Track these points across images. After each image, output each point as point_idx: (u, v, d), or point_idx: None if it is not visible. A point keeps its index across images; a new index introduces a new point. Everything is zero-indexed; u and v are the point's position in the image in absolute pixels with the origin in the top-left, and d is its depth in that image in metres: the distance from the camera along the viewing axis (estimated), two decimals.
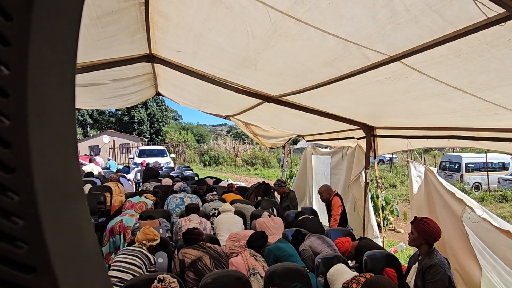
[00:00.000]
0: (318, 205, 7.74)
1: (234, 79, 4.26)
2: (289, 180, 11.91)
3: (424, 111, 3.52)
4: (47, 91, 0.32)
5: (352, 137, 5.88)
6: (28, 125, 0.31)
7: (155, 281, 2.54)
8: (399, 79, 2.72)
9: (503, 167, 16.71)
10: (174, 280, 2.58)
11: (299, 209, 5.82)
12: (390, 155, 23.52)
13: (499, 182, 15.47)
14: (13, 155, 0.30)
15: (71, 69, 0.35)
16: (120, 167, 15.50)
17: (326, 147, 9.17)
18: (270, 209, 5.79)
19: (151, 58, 4.28)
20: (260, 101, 4.92)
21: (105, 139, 26.13)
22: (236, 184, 8.04)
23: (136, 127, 39.96)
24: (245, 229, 4.67)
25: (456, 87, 2.54)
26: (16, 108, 0.30)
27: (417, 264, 2.80)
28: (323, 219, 6.19)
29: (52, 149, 0.33)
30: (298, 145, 30.56)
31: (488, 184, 15.69)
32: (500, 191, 14.50)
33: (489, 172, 16.05)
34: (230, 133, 54.79)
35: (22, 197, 0.30)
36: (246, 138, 32.10)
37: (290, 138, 8.73)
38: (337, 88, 3.39)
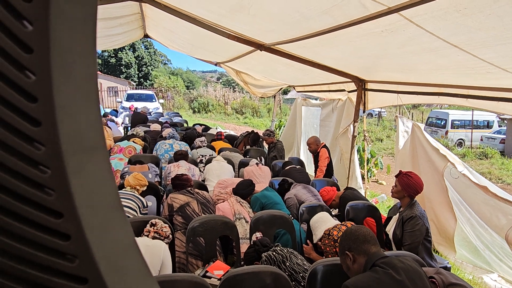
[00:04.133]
0: (305, 156, 7.88)
1: (226, 23, 4.09)
2: (277, 130, 11.98)
3: (417, 66, 3.48)
4: (69, 46, 0.33)
5: (343, 90, 5.85)
6: (52, 80, 0.32)
7: (148, 225, 2.63)
8: (396, 32, 2.65)
9: (488, 125, 17.02)
10: (166, 225, 2.67)
11: (286, 159, 5.93)
12: (379, 109, 23.65)
13: (481, 140, 15.83)
14: (39, 109, 0.32)
15: (93, 24, 0.35)
16: (108, 110, 15.28)
17: (316, 99, 9.13)
18: (258, 158, 5.88)
19: None
20: (252, 48, 4.78)
21: None
22: (225, 132, 8.06)
23: (123, 70, 38.71)
24: (234, 177, 4.77)
25: (453, 44, 2.50)
26: (40, 63, 0.32)
27: (398, 215, 2.94)
28: (310, 169, 6.34)
29: (76, 104, 0.34)
30: (289, 96, 30.34)
31: (471, 141, 16.07)
32: (482, 148, 14.93)
33: (473, 130, 16.38)
34: (220, 80, 53.82)
35: (48, 148, 0.33)
36: (236, 86, 31.66)
37: (281, 88, 8.64)
38: (332, 38, 3.30)
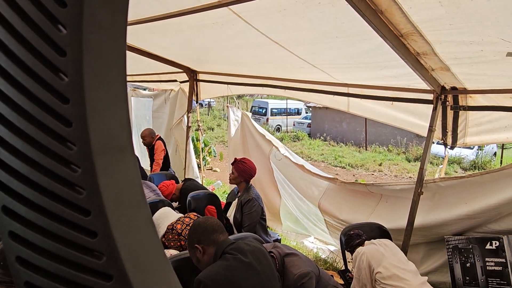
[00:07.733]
0: (139, 150, 7.50)
1: None
2: None
3: (245, 59, 3.74)
4: (101, 50, 0.34)
5: (175, 80, 5.80)
6: (83, 82, 0.33)
7: None
8: (226, 26, 2.75)
9: (298, 112, 20.35)
10: None
11: None
12: (209, 99, 24.71)
13: (294, 125, 18.82)
14: (71, 110, 0.33)
15: (123, 30, 0.36)
16: None
17: (145, 89, 8.81)
18: None
19: None
20: None
21: None
22: None
23: None
24: None
25: (274, 40, 2.77)
26: (73, 66, 0.33)
27: (236, 199, 3.12)
28: (145, 163, 6.08)
29: (106, 105, 0.35)
30: None
31: (287, 126, 18.87)
32: (295, 132, 17.66)
33: (288, 117, 19.20)
34: None
35: (79, 148, 0.34)
36: None
37: None
38: (163, 26, 3.18)
